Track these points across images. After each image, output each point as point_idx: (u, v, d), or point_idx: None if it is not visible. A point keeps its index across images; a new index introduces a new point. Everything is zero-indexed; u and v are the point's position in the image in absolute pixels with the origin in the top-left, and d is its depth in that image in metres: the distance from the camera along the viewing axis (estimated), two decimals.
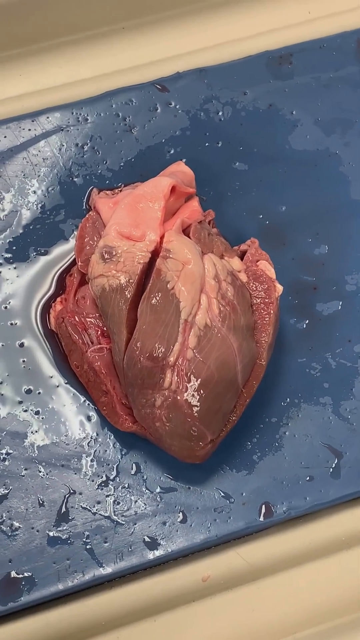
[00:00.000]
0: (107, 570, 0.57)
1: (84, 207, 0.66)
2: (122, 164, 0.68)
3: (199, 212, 0.63)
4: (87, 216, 0.63)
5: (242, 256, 0.62)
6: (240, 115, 0.70)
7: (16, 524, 0.58)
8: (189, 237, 0.60)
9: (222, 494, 0.60)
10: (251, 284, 0.61)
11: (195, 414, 0.56)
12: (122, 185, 0.66)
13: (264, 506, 0.60)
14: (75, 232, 0.65)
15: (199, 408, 0.56)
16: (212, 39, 0.73)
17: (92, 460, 0.60)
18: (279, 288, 0.61)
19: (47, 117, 0.68)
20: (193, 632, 0.58)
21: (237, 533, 0.59)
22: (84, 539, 0.58)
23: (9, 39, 0.72)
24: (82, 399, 0.61)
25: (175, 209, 0.62)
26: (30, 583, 0.57)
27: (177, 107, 0.70)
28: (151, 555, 0.58)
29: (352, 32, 0.72)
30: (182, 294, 0.57)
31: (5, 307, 0.63)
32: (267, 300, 0.60)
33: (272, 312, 0.60)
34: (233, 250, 0.62)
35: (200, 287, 0.58)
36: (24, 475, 0.59)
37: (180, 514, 0.59)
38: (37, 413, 0.61)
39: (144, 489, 0.59)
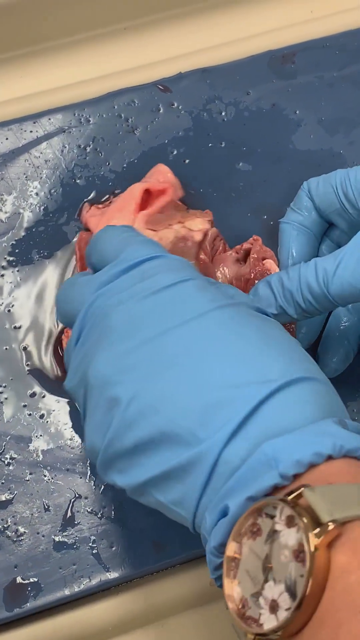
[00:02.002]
0: (114, 575, 0.57)
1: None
2: (125, 165, 0.67)
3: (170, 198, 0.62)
4: (79, 237, 0.63)
5: (245, 255, 0.62)
6: (243, 115, 0.69)
7: (21, 529, 0.57)
8: None
9: None
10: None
11: None
12: (112, 197, 0.65)
13: None
14: (78, 235, 0.64)
15: None
16: (214, 39, 0.73)
17: None
18: None
19: (49, 119, 0.68)
20: (201, 636, 0.58)
21: None
22: (90, 544, 0.57)
23: (10, 40, 0.71)
24: None
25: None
26: (36, 589, 0.56)
27: (180, 107, 0.69)
28: (158, 559, 0.57)
29: (355, 31, 0.72)
30: None
31: (9, 310, 0.62)
32: None
33: None
34: (192, 213, 0.61)
35: None
36: (28, 480, 0.59)
37: None
38: (41, 417, 0.60)
39: None
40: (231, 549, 0.40)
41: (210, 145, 0.68)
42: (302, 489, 0.38)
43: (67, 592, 0.56)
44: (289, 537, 0.37)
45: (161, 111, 0.69)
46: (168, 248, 0.58)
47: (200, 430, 0.42)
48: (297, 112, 0.70)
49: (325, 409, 0.43)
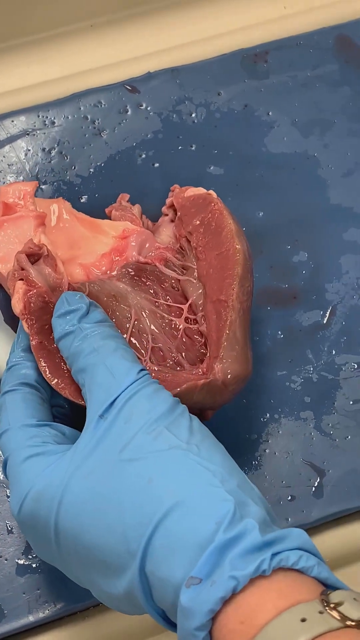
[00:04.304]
0: (80, 600, 0.55)
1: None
2: (91, 169, 0.65)
3: None
4: None
5: (174, 211, 0.59)
6: (214, 116, 0.67)
7: None
8: None
9: None
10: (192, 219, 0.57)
11: None
12: None
13: None
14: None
15: None
16: (185, 37, 0.70)
17: None
18: (211, 192, 0.57)
19: (12, 121, 0.65)
20: None
21: None
22: (55, 568, 0.55)
23: None
24: None
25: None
26: None
27: (149, 108, 0.67)
28: None
29: (330, 29, 0.70)
30: None
31: None
32: (211, 219, 0.56)
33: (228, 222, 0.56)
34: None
35: None
36: None
37: None
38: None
39: None
40: None
41: (180, 148, 0.66)
42: None
43: (31, 618, 0.54)
44: None
45: (129, 112, 0.67)
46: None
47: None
48: (270, 113, 0.67)
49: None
